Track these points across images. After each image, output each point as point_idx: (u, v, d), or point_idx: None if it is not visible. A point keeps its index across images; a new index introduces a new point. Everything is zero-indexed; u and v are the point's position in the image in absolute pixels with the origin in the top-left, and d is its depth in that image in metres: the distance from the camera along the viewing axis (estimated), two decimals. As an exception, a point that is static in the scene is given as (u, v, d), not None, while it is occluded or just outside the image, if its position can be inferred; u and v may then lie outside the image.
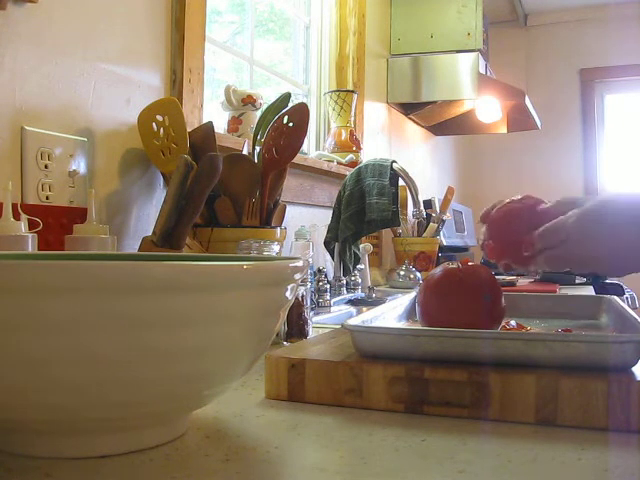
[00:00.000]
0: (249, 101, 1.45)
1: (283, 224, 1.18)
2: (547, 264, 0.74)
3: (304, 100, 2.08)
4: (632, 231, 0.68)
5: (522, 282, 2.02)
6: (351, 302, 1.69)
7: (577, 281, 2.14)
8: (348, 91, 2.04)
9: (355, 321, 0.65)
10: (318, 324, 1.15)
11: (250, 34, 1.81)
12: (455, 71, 2.46)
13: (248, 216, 1.10)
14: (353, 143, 2.00)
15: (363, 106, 2.21)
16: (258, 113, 1.44)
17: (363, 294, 1.77)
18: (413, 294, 0.89)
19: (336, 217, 1.75)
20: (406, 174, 1.72)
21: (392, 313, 0.81)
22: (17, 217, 0.83)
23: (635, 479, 0.42)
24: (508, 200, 0.80)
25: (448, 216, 2.44)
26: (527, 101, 2.67)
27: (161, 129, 1.10)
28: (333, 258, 1.73)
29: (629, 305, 2.38)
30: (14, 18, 0.93)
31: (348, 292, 1.73)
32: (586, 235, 0.69)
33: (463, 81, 2.46)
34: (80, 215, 0.99)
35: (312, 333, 0.92)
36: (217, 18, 1.77)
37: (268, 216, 1.14)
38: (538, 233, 0.72)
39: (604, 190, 3.80)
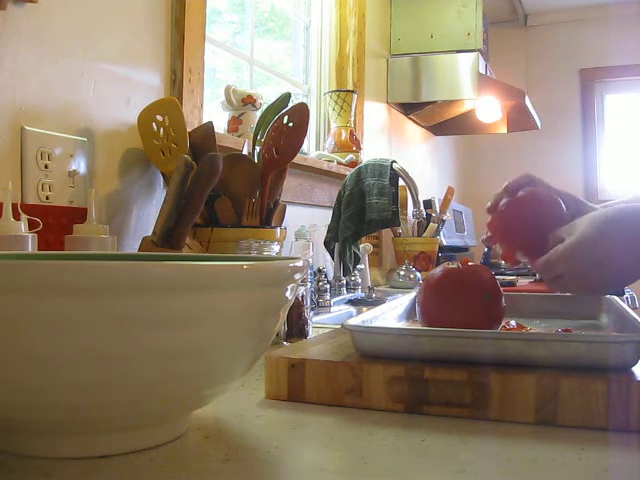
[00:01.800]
0: (249, 101, 1.45)
1: (283, 224, 1.18)
2: (551, 289, 0.78)
3: (304, 100, 2.08)
4: (622, 253, 0.70)
5: (522, 282, 2.02)
6: (351, 302, 1.69)
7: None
8: (348, 91, 2.04)
9: (355, 321, 0.65)
10: (318, 324, 1.15)
11: (250, 34, 1.81)
12: (455, 71, 2.46)
13: (248, 216, 1.10)
14: (353, 143, 2.00)
15: (363, 106, 2.21)
16: (258, 113, 1.44)
17: (363, 294, 1.77)
18: (413, 294, 0.89)
19: (336, 217, 1.75)
20: (406, 174, 1.72)
21: (392, 313, 0.81)
22: (17, 217, 0.83)
23: (635, 479, 0.42)
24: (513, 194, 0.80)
25: (448, 216, 2.44)
26: (527, 101, 2.67)
27: (161, 129, 1.10)
28: (333, 258, 1.73)
29: (629, 305, 2.38)
30: (14, 18, 0.93)
31: (348, 292, 1.73)
32: (577, 272, 0.71)
33: (463, 81, 2.46)
34: (80, 215, 0.99)
35: (312, 333, 0.92)
36: (217, 18, 1.77)
37: (268, 216, 1.14)
38: (538, 264, 0.75)
39: (603, 190, 3.80)
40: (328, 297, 1.54)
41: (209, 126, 1.13)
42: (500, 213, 0.80)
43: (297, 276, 0.48)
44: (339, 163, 1.92)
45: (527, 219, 0.79)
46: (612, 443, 0.48)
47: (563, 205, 0.79)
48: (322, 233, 1.78)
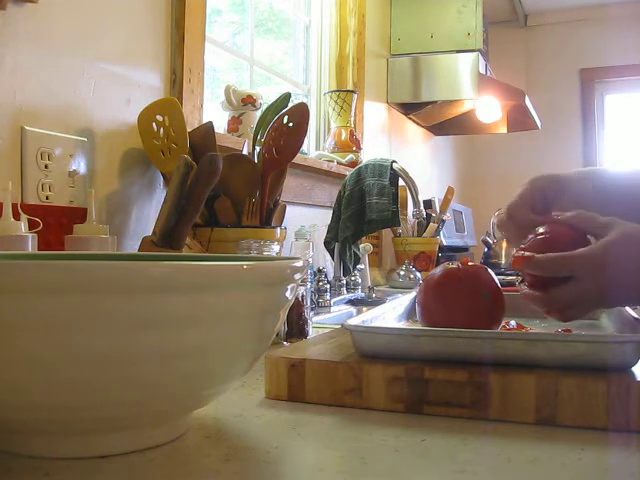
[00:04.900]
0: (249, 101, 1.45)
1: (283, 224, 1.18)
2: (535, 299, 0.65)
3: (304, 100, 2.08)
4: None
5: (522, 282, 2.01)
6: (351, 302, 1.69)
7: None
8: (348, 91, 2.04)
9: (355, 321, 0.65)
10: (318, 324, 1.15)
11: (250, 34, 1.81)
12: (455, 71, 2.46)
13: (248, 216, 1.10)
14: (353, 143, 2.00)
15: (363, 106, 2.21)
16: (258, 113, 1.43)
17: (363, 294, 1.77)
18: (413, 294, 0.89)
19: (336, 217, 1.75)
20: (406, 174, 1.72)
21: (392, 313, 0.81)
22: (17, 217, 0.83)
23: (635, 479, 0.42)
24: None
25: (448, 216, 2.44)
26: (527, 101, 2.67)
27: (161, 129, 1.10)
28: (333, 258, 1.73)
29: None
30: (14, 18, 0.93)
31: (348, 292, 1.73)
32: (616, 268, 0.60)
33: (463, 81, 2.46)
34: (80, 215, 0.99)
35: (312, 333, 0.92)
36: (217, 18, 1.77)
37: (268, 216, 1.14)
38: (539, 260, 0.62)
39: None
40: (328, 297, 1.54)
41: (209, 126, 1.13)
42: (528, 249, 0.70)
43: (297, 276, 0.48)
44: (339, 163, 1.92)
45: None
46: (612, 443, 0.48)
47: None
48: (322, 233, 1.78)
